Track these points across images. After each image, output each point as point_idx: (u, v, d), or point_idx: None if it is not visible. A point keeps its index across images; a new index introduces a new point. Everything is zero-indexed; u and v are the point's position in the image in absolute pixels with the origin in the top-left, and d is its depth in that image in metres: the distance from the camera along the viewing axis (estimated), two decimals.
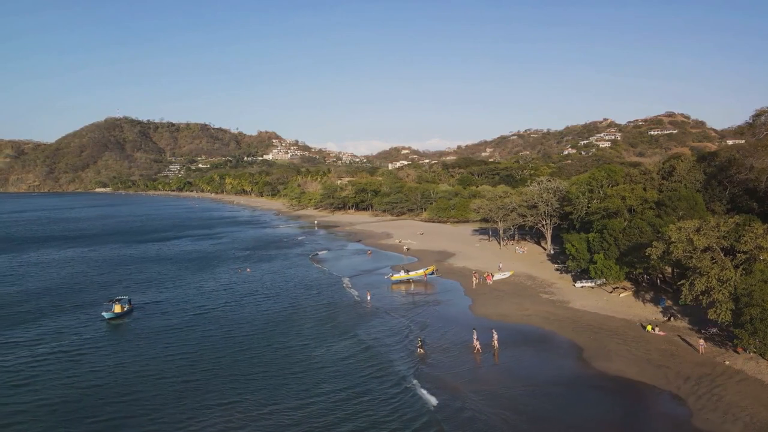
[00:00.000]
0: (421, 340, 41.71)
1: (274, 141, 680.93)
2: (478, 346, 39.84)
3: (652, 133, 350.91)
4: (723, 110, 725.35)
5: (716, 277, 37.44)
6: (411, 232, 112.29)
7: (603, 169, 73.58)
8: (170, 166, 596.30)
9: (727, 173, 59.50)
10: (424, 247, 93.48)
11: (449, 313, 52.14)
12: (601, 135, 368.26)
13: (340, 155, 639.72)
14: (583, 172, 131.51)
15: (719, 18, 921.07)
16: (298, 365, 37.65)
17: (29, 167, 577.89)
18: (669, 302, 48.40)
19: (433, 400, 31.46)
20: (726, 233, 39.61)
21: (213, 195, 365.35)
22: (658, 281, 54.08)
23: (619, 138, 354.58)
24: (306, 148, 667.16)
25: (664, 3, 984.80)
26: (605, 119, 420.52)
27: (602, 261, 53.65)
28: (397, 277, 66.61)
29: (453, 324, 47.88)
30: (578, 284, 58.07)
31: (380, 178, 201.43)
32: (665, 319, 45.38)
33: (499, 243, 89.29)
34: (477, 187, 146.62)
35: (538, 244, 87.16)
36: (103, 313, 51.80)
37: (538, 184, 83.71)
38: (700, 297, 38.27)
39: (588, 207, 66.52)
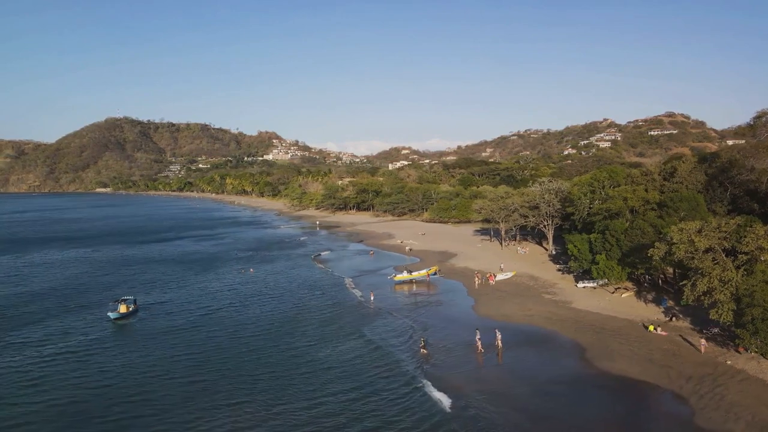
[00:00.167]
0: (424, 341, 42.09)
1: (274, 141, 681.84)
2: (480, 346, 40.21)
3: (652, 133, 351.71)
4: (723, 110, 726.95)
5: (718, 277, 37.81)
6: (413, 233, 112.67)
7: (604, 170, 74.01)
8: (170, 167, 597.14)
9: (728, 174, 59.91)
10: (425, 247, 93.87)
11: (452, 314, 52.53)
12: (602, 135, 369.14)
13: (340, 155, 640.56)
14: (583, 172, 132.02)
15: (719, 18, 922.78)
16: (305, 365, 37.99)
17: (30, 167, 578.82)
18: (671, 302, 48.80)
19: (444, 400, 31.72)
20: (727, 234, 39.98)
21: (214, 195, 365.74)
22: (660, 282, 54.47)
23: (619, 138, 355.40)
24: (306, 148, 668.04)
25: (664, 3, 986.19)
26: (605, 119, 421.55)
27: (604, 261, 54.05)
28: (400, 277, 67.01)
29: (456, 324, 48.28)
30: (580, 284, 58.47)
31: (381, 179, 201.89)
32: (667, 319, 45.78)
33: (501, 243, 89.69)
34: (478, 187, 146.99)
35: (540, 244, 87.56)
36: (109, 314, 52.16)
37: (540, 184, 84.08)
38: (702, 297, 38.64)
39: (590, 208, 66.91)
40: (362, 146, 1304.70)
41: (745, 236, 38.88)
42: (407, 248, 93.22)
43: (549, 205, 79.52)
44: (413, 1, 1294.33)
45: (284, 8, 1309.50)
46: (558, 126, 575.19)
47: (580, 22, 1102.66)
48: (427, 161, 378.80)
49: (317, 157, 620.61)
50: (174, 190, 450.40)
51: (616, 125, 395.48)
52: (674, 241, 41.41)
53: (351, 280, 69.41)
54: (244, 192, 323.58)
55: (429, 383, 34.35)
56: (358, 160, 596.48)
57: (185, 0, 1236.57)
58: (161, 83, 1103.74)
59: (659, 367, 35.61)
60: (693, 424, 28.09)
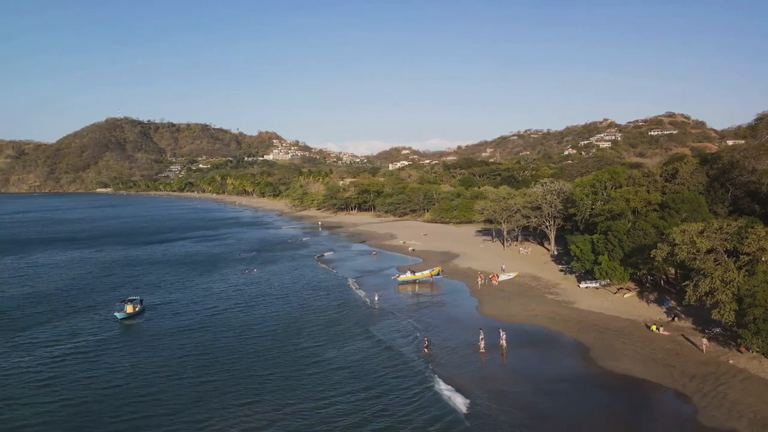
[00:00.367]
0: (427, 340, 42.59)
1: (274, 141, 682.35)
2: (482, 346, 40.66)
3: (652, 133, 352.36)
4: (723, 110, 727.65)
5: (720, 278, 38.32)
6: (414, 233, 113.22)
7: (606, 171, 74.51)
8: (171, 167, 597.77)
9: (730, 176, 60.43)
10: (428, 248, 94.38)
11: (456, 314, 53.04)
12: (602, 135, 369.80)
13: (341, 155, 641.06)
14: (584, 172, 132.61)
15: (719, 18, 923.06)
16: (314, 366, 38.39)
17: (30, 168, 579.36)
18: (673, 303, 49.33)
19: (456, 400, 32.11)
20: (729, 235, 40.50)
21: (215, 195, 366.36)
22: (662, 282, 55.01)
23: (619, 138, 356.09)
24: (306, 148, 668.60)
25: (664, 3, 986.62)
26: (605, 119, 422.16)
27: (607, 262, 54.56)
28: (403, 278, 67.52)
29: (460, 324, 48.77)
30: (583, 285, 58.99)
31: (382, 179, 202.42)
32: (669, 319, 46.30)
33: (503, 244, 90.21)
34: (479, 188, 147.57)
35: (542, 244, 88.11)
36: (116, 314, 52.66)
37: (542, 185, 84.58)
38: (704, 298, 39.17)
39: (592, 209, 67.46)
40: (362, 146, 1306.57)
41: (747, 237, 39.38)
42: (410, 249, 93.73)
43: (551, 206, 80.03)
44: (413, 1, 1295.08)
45: (284, 8, 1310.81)
46: (558, 126, 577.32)
47: (580, 22, 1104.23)
48: (428, 161, 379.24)
49: (317, 157, 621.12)
50: (175, 191, 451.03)
51: (616, 125, 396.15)
52: (676, 242, 41.94)
53: (354, 280, 69.90)
54: (245, 192, 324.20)
55: (440, 383, 34.75)
56: (358, 160, 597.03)
57: (185, 0, 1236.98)
58: (161, 83, 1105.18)
59: (662, 366, 36.13)
60: (696, 422, 28.59)
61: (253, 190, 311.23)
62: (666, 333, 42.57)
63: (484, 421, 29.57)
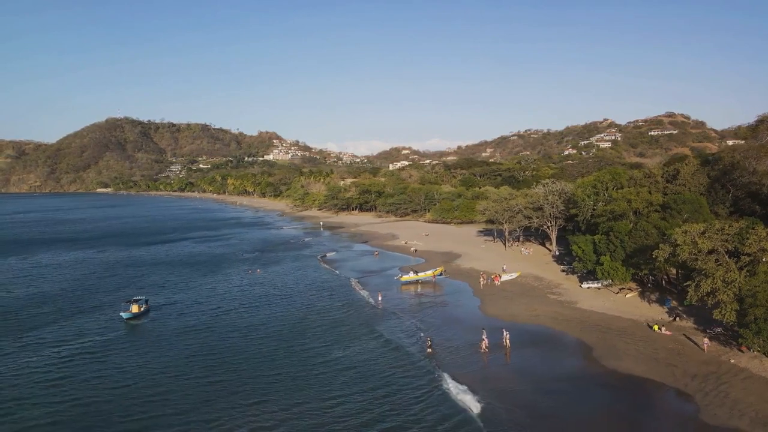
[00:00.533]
0: (430, 340, 43.02)
1: (274, 141, 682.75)
2: (484, 346, 41.06)
3: (652, 133, 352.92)
4: (723, 110, 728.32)
5: (721, 278, 38.78)
6: (416, 233, 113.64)
7: (607, 172, 74.98)
8: (171, 167, 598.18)
9: (730, 177, 60.87)
10: (430, 248, 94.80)
11: (459, 314, 53.49)
12: (602, 135, 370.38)
13: (341, 155, 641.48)
14: (584, 173, 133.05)
15: (719, 18, 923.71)
16: (321, 366, 38.77)
17: (30, 168, 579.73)
18: (674, 303, 49.78)
19: (464, 399, 32.49)
20: (730, 236, 40.93)
21: (215, 196, 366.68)
22: (663, 282, 55.45)
23: (619, 138, 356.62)
24: (306, 148, 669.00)
25: (664, 3, 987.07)
26: (605, 119, 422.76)
27: (609, 262, 55.00)
28: (406, 278, 67.96)
29: (464, 324, 49.25)
30: (585, 285, 59.42)
31: (383, 179, 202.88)
32: (671, 319, 46.75)
33: (505, 244, 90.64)
34: (480, 188, 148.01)
35: (543, 245, 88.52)
36: (122, 314, 53.09)
37: (544, 186, 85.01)
38: (706, 298, 39.62)
39: (594, 209, 67.90)
40: (362, 146, 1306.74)
41: (748, 238, 39.82)
42: (412, 249, 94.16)
43: (552, 207, 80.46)
44: (413, 1, 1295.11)
45: (284, 8, 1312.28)
46: (558, 126, 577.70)
47: (580, 22, 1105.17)
48: (428, 161, 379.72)
49: (317, 157, 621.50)
50: (175, 191, 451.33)
51: (616, 125, 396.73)
52: (678, 242, 42.38)
53: (357, 280, 70.31)
54: (246, 192, 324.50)
55: (448, 382, 35.12)
56: (358, 160, 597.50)
57: (185, 0, 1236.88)
58: (161, 83, 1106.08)
59: (664, 365, 36.58)
60: (699, 421, 29.06)
61: (254, 190, 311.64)
62: (668, 333, 43.01)
63: (494, 419, 29.93)
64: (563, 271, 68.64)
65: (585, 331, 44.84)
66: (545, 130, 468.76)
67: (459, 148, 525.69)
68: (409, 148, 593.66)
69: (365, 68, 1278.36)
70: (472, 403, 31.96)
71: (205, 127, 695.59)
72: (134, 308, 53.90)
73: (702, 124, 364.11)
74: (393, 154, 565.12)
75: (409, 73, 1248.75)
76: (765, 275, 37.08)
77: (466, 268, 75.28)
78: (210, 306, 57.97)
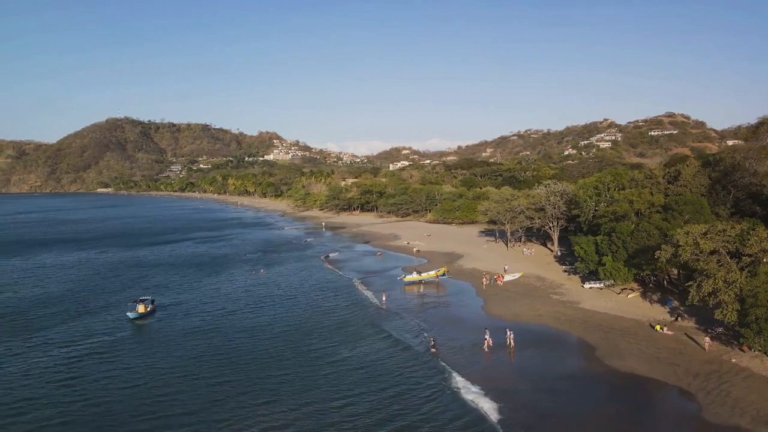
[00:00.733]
0: (433, 340, 43.52)
1: (274, 141, 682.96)
2: (486, 345, 41.56)
3: (652, 133, 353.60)
4: (723, 110, 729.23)
5: (722, 279, 39.28)
6: (418, 234, 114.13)
7: (609, 173, 75.52)
8: (171, 167, 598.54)
9: (731, 178, 61.38)
10: (432, 248, 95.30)
11: (463, 314, 53.98)
12: (602, 135, 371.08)
13: (341, 155, 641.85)
14: (585, 173, 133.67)
15: (719, 18, 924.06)
16: (329, 366, 39.13)
17: (31, 168, 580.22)
18: (676, 303, 50.29)
19: (473, 399, 32.91)
20: (732, 237, 41.45)
21: (216, 196, 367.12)
22: (665, 283, 55.97)
23: (619, 138, 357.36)
24: (306, 148, 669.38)
25: (664, 3, 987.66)
26: (605, 119, 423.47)
27: (611, 263, 55.52)
28: (409, 278, 68.47)
29: (467, 324, 49.72)
30: (587, 285, 59.94)
31: (384, 180, 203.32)
32: (673, 318, 47.27)
33: (507, 245, 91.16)
34: (481, 188, 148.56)
35: (545, 245, 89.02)
36: (128, 314, 53.61)
37: (546, 187, 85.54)
38: (707, 298, 40.12)
39: (595, 210, 68.42)
40: (362, 146, 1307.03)
41: (749, 239, 40.34)
42: (415, 249, 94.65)
43: (554, 207, 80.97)
44: (413, 1, 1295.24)
45: (284, 8, 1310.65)
46: (558, 126, 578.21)
47: (580, 22, 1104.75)
48: (428, 161, 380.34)
49: (318, 157, 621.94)
50: (176, 191, 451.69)
51: (616, 125, 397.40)
52: (680, 243, 42.90)
53: (361, 281, 70.81)
54: (247, 192, 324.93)
55: (458, 381, 35.56)
56: (358, 160, 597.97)
57: (185, 0, 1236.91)
58: (161, 83, 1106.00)
59: (667, 365, 37.08)
60: (701, 419, 29.55)
61: (255, 190, 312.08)
62: (670, 332, 43.53)
63: (499, 417, 30.46)
64: (565, 271, 69.16)
65: (588, 331, 45.35)
66: (545, 130, 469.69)
67: (459, 148, 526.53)
68: (409, 148, 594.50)
69: (365, 68, 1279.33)
70: (482, 402, 32.34)
71: (205, 127, 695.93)
72: (140, 308, 54.39)
73: (702, 124, 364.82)
74: (393, 154, 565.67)
75: (409, 73, 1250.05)
76: (766, 276, 37.61)
77: (468, 268, 75.78)
78: (215, 306, 58.46)
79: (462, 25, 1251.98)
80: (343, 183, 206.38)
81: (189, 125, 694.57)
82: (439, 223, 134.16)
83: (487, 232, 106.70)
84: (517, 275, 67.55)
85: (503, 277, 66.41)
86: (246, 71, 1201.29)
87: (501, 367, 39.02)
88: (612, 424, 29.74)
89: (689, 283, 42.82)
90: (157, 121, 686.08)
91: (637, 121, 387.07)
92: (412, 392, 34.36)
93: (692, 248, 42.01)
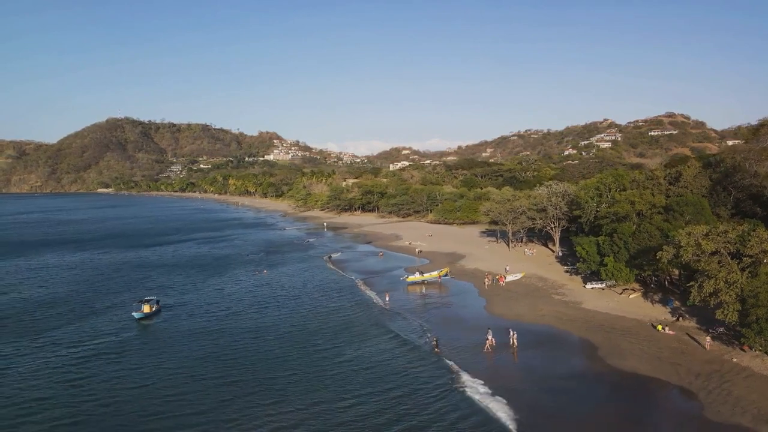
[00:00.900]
0: (436, 339, 43.95)
1: (275, 141, 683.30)
2: (488, 345, 41.99)
3: (652, 133, 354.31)
4: (723, 110, 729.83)
5: (724, 279, 39.73)
6: (419, 234, 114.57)
7: (610, 174, 75.99)
8: (172, 167, 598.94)
9: (732, 179, 61.81)
10: (434, 248, 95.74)
11: (466, 314, 54.42)
12: (602, 135, 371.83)
13: (341, 155, 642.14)
14: (586, 173, 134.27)
15: (719, 18, 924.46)
16: (337, 366, 39.47)
17: (31, 168, 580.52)
18: (677, 303, 50.76)
19: (480, 398, 33.29)
20: (733, 238, 41.91)
21: (216, 196, 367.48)
22: (666, 283, 56.44)
23: (619, 138, 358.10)
24: (307, 148, 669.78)
25: (664, 3, 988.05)
26: (605, 119, 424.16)
27: (612, 263, 55.98)
28: (412, 278, 68.92)
29: (470, 324, 50.11)
30: (588, 285, 60.41)
31: (385, 180, 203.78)
32: (674, 319, 47.74)
33: (508, 245, 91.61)
34: (481, 189, 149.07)
35: (546, 246, 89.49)
36: (134, 314, 54.05)
37: (547, 188, 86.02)
38: (708, 298, 40.59)
39: (597, 211, 68.87)
40: (362, 146, 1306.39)
41: (750, 240, 40.80)
42: (417, 250, 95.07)
43: (556, 208, 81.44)
44: (413, 1, 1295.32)
45: (284, 8, 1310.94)
46: (558, 126, 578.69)
47: (580, 22, 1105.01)
48: (428, 161, 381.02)
49: (318, 157, 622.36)
50: (176, 191, 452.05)
51: (616, 125, 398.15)
52: (682, 244, 43.37)
53: (364, 281, 71.22)
54: (247, 193, 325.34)
55: (466, 382, 35.91)
56: (358, 160, 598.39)
57: (185, 0, 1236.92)
58: (161, 83, 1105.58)
59: (668, 364, 37.56)
60: (703, 418, 30.02)
61: (256, 190, 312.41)
62: (671, 332, 44.00)
63: (505, 416, 30.92)
64: (567, 271, 69.64)
65: (590, 331, 45.82)
66: (545, 130, 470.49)
67: (459, 148, 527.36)
68: (410, 148, 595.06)
69: (365, 68, 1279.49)
70: (490, 402, 32.74)
71: (205, 128, 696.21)
72: (146, 308, 54.82)
73: (702, 124, 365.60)
74: (393, 155, 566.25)
75: (409, 73, 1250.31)
76: (766, 276, 38.07)
77: (470, 268, 76.24)
78: (220, 307, 58.89)
79: (462, 25, 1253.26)
80: (344, 183, 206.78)
81: (189, 125, 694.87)
82: (440, 223, 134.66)
83: (489, 233, 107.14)
84: (519, 276, 68.00)
85: (505, 278, 66.87)
86: (246, 71, 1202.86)
87: (506, 367, 39.46)
88: (616, 422, 30.16)
89: (690, 284, 43.26)
90: (157, 121, 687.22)
91: (637, 121, 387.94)
92: (420, 392, 34.74)
93: (694, 249, 42.48)
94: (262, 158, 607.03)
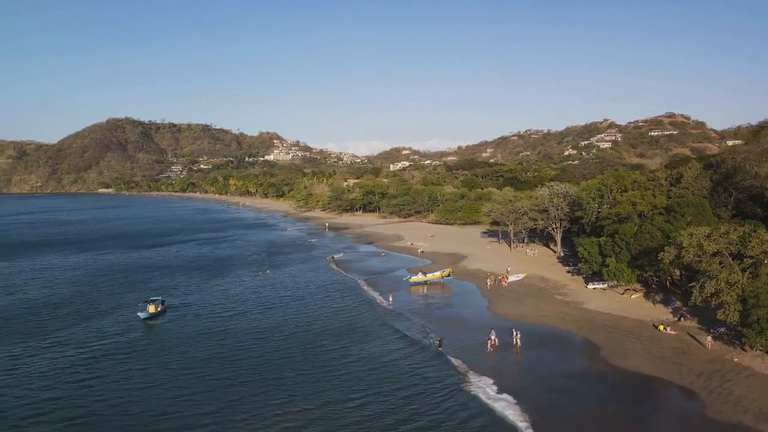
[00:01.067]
0: (439, 340, 44.41)
1: (275, 141, 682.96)
2: (490, 345, 42.47)
3: (652, 133, 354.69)
4: (723, 110, 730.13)
5: (725, 280, 40.21)
6: (421, 234, 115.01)
7: (612, 175, 76.47)
8: (172, 167, 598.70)
9: (733, 180, 62.25)
10: (435, 249, 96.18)
11: (468, 314, 54.90)
12: (602, 135, 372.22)
13: (341, 156, 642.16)
14: (586, 174, 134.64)
15: (719, 18, 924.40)
16: (344, 367, 39.87)
17: (32, 168, 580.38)
18: (678, 303, 51.23)
19: (484, 397, 33.73)
20: (734, 239, 42.37)
21: (217, 196, 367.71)
22: (668, 283, 56.91)
23: (619, 139, 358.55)
24: (307, 148, 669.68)
25: (664, 3, 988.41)
26: (605, 120, 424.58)
27: (614, 264, 56.45)
28: (415, 279, 69.38)
29: (473, 324, 50.59)
30: (590, 286, 60.87)
31: (386, 180, 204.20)
32: (675, 319, 48.21)
33: (510, 245, 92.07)
34: (482, 189, 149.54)
35: (547, 246, 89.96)
36: (139, 314, 54.51)
37: (549, 188, 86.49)
38: (710, 298, 41.07)
39: (598, 212, 69.33)
40: (362, 146, 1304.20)
41: (750, 241, 41.26)
42: (419, 250, 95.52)
43: (557, 209, 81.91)
44: (413, 1, 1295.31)
45: (284, 8, 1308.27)
46: (558, 126, 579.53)
47: (580, 22, 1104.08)
48: (428, 161, 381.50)
49: (318, 157, 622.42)
50: (177, 191, 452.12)
51: (617, 126, 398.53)
52: (684, 245, 43.83)
53: (367, 281, 71.65)
54: (248, 193, 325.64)
55: (474, 381, 36.32)
56: (358, 160, 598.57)
57: (185, 0, 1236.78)
58: (161, 83, 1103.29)
59: (671, 364, 38.03)
60: (705, 417, 30.50)
61: (256, 190, 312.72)
62: (673, 332, 44.46)
63: (510, 415, 31.36)
64: (569, 272, 70.11)
65: (592, 331, 46.28)
66: (545, 131, 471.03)
67: (459, 148, 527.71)
68: (410, 149, 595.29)
69: (365, 68, 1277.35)
70: (498, 401, 33.16)
71: (205, 128, 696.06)
72: (151, 308, 55.29)
73: (702, 124, 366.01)
74: (393, 155, 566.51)
75: (409, 73, 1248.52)
76: (767, 277, 38.53)
77: (472, 269, 76.69)
78: (225, 307, 59.33)
79: (462, 25, 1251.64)
80: (345, 184, 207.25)
81: (189, 125, 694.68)
82: (441, 223, 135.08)
83: (490, 233, 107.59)
84: (521, 276, 68.45)
85: (508, 278, 67.32)
86: (246, 71, 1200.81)
87: (510, 367, 39.91)
88: (618, 421, 30.63)
89: (692, 284, 43.74)
90: (157, 122, 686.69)
91: (637, 121, 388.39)
92: (428, 391, 35.17)
93: (695, 250, 42.94)
94: (262, 158, 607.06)
